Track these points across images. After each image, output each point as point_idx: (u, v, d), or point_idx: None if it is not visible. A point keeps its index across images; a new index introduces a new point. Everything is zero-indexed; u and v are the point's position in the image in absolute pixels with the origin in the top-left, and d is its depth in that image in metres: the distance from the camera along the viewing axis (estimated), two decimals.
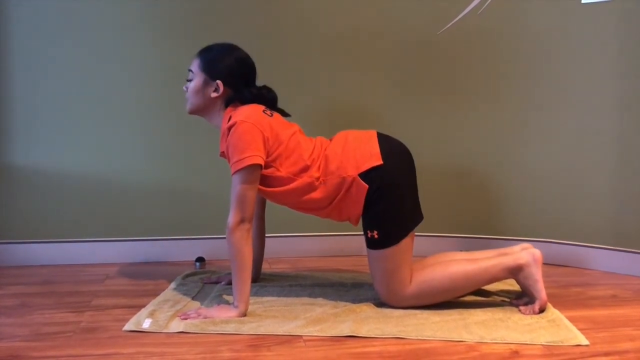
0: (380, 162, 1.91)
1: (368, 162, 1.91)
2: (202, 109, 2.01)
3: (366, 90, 2.72)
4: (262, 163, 1.88)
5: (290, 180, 1.93)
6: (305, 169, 1.93)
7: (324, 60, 2.70)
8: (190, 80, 2.01)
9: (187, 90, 2.02)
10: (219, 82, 1.97)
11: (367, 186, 1.89)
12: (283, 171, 1.92)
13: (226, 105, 1.99)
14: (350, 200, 1.93)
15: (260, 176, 1.91)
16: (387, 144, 1.97)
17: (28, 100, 2.52)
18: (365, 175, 1.90)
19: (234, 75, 1.98)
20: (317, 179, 1.93)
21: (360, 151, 1.94)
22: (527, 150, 2.65)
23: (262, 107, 1.97)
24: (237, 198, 1.85)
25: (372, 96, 2.73)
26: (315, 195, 1.94)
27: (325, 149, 1.97)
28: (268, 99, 2.01)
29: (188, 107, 2.03)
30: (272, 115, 1.97)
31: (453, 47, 2.68)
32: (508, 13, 2.62)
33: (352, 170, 1.91)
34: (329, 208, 1.97)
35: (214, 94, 1.98)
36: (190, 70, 2.01)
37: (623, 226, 2.49)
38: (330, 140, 2.03)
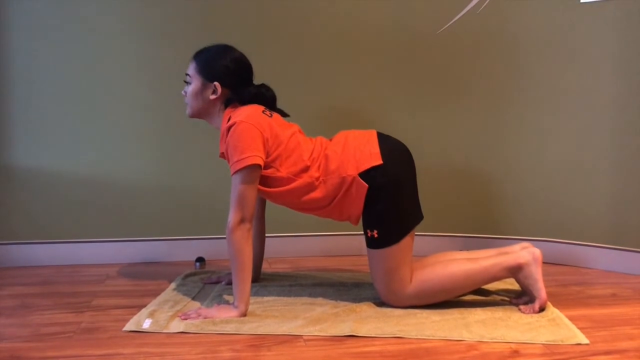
0: (380, 161, 1.91)
1: (368, 162, 1.91)
2: (202, 112, 2.02)
3: (365, 90, 2.72)
4: (262, 163, 1.88)
5: (290, 180, 1.93)
6: (305, 169, 1.93)
7: (324, 60, 2.70)
8: (188, 84, 2.01)
9: (185, 95, 2.02)
10: (216, 83, 1.96)
11: (367, 186, 1.89)
12: (283, 171, 1.92)
13: (225, 106, 1.99)
14: (350, 199, 1.93)
15: (260, 177, 1.91)
16: (387, 143, 1.97)
17: (28, 100, 2.52)
18: (365, 175, 1.90)
19: (231, 75, 1.98)
20: (317, 178, 1.93)
21: (360, 151, 1.94)
22: (526, 149, 2.65)
23: (262, 108, 1.97)
24: (237, 198, 1.86)
25: (371, 96, 2.73)
26: (315, 195, 1.94)
27: (325, 149, 1.97)
28: (267, 98, 2.01)
29: (188, 111, 2.03)
30: (271, 115, 1.97)
31: (452, 47, 2.68)
32: (507, 12, 2.62)
33: (352, 170, 1.91)
34: (329, 208, 1.97)
35: (212, 96, 1.97)
36: (187, 74, 2.01)
37: (622, 225, 2.49)
38: (330, 140, 2.03)
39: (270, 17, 2.65)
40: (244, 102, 1.98)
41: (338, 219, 2.02)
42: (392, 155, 1.94)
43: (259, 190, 1.93)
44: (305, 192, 1.94)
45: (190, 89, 2.00)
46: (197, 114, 2.03)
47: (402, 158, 1.98)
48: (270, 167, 1.92)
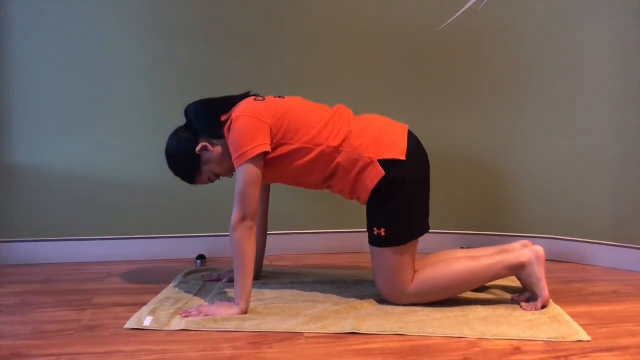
0: (403, 157, 1.89)
1: (392, 153, 1.89)
2: (227, 155, 1.97)
3: (365, 88, 2.72)
4: (268, 149, 1.87)
5: (307, 151, 1.91)
6: (319, 134, 1.91)
7: (324, 60, 2.70)
8: (215, 178, 2.02)
9: (227, 175, 2.03)
10: (197, 149, 1.95)
11: (384, 173, 1.88)
12: (296, 143, 1.91)
13: (221, 127, 1.96)
14: (362, 182, 1.91)
15: (279, 158, 1.90)
16: (415, 144, 1.97)
17: (28, 99, 2.52)
18: (385, 164, 1.88)
19: (187, 141, 1.97)
20: (337, 149, 1.91)
21: (388, 139, 1.92)
22: (528, 147, 2.65)
23: (252, 98, 1.97)
24: (239, 194, 1.85)
25: (372, 93, 2.72)
26: (332, 165, 1.92)
27: (349, 123, 1.95)
28: (210, 103, 2.00)
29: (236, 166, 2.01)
30: (264, 99, 1.97)
31: (453, 44, 2.68)
32: (508, 9, 2.62)
33: (373, 154, 1.89)
34: (342, 183, 1.95)
35: (210, 150, 1.96)
36: (205, 183, 2.03)
37: (624, 222, 2.48)
38: (357, 116, 2.01)
39: (271, 18, 2.64)
40: (210, 116, 1.96)
41: (349, 197, 2.01)
42: (416, 155, 1.94)
43: (283, 171, 1.93)
44: (322, 165, 1.92)
45: (218, 171, 2.00)
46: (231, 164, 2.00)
47: (424, 162, 1.99)
48: (281, 144, 1.90)
